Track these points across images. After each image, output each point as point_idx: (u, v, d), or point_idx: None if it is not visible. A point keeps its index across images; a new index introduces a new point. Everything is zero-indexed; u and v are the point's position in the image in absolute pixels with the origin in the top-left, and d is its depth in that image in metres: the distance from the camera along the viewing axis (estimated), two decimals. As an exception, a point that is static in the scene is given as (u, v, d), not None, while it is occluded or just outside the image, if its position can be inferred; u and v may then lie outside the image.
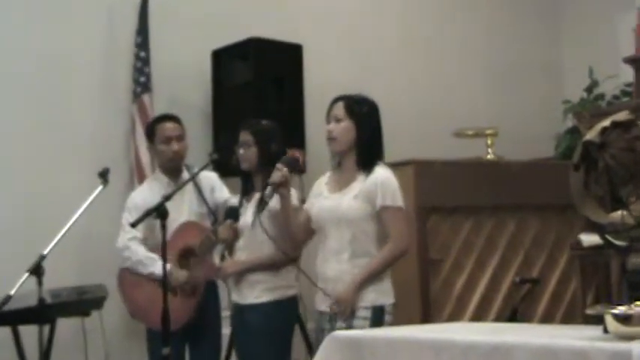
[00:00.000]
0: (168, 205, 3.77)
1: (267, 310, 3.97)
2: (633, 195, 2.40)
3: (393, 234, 3.65)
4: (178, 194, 4.14)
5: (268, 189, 3.69)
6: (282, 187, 3.68)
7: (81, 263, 4.94)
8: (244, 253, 4.05)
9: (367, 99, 3.79)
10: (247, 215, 4.03)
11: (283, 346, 4.02)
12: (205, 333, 4.33)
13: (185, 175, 4.39)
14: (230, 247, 4.13)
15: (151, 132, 4.44)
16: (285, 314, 4.04)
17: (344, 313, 3.60)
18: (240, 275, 4.03)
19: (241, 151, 4.07)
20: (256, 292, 4.00)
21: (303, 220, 3.82)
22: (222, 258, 4.14)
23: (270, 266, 3.98)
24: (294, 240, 3.87)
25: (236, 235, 4.07)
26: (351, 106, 3.73)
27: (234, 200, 4.24)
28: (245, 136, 4.07)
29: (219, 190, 4.45)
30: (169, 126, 4.37)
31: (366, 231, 3.67)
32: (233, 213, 4.09)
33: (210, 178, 4.44)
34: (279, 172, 3.67)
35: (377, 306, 3.62)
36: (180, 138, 4.37)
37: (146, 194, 4.33)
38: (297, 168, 3.78)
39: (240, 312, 4.06)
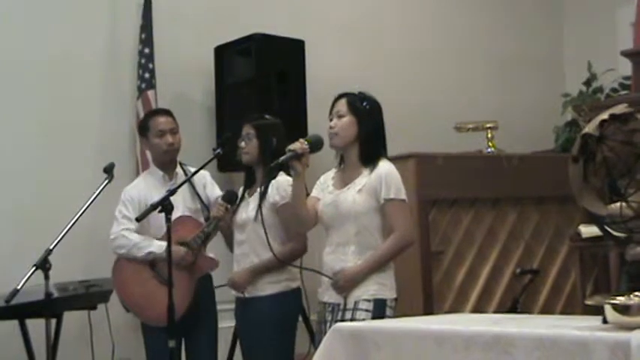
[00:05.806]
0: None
1: (271, 302, 4.01)
2: (631, 187, 2.39)
3: (397, 226, 3.66)
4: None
5: (286, 155, 3.60)
6: (298, 160, 3.60)
7: (87, 257, 4.94)
8: (246, 246, 4.07)
9: (370, 97, 3.79)
10: (249, 209, 4.05)
11: (287, 337, 4.06)
12: (200, 327, 4.27)
13: (179, 169, 4.39)
14: (218, 229, 4.15)
15: (144, 126, 4.43)
16: (289, 306, 4.07)
17: (341, 287, 3.62)
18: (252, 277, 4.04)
19: (242, 144, 4.09)
20: (260, 285, 4.03)
21: (310, 206, 3.79)
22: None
23: (277, 266, 3.99)
24: (303, 223, 3.81)
25: (227, 216, 4.08)
26: (354, 102, 3.73)
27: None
28: (247, 130, 4.09)
29: (210, 187, 4.43)
30: (162, 120, 4.36)
31: (371, 225, 3.68)
32: (230, 195, 4.11)
33: (202, 175, 4.38)
34: (301, 144, 3.61)
35: (379, 299, 3.62)
36: (174, 131, 4.36)
37: (141, 188, 4.34)
38: (319, 149, 3.68)
39: (244, 305, 4.09)
